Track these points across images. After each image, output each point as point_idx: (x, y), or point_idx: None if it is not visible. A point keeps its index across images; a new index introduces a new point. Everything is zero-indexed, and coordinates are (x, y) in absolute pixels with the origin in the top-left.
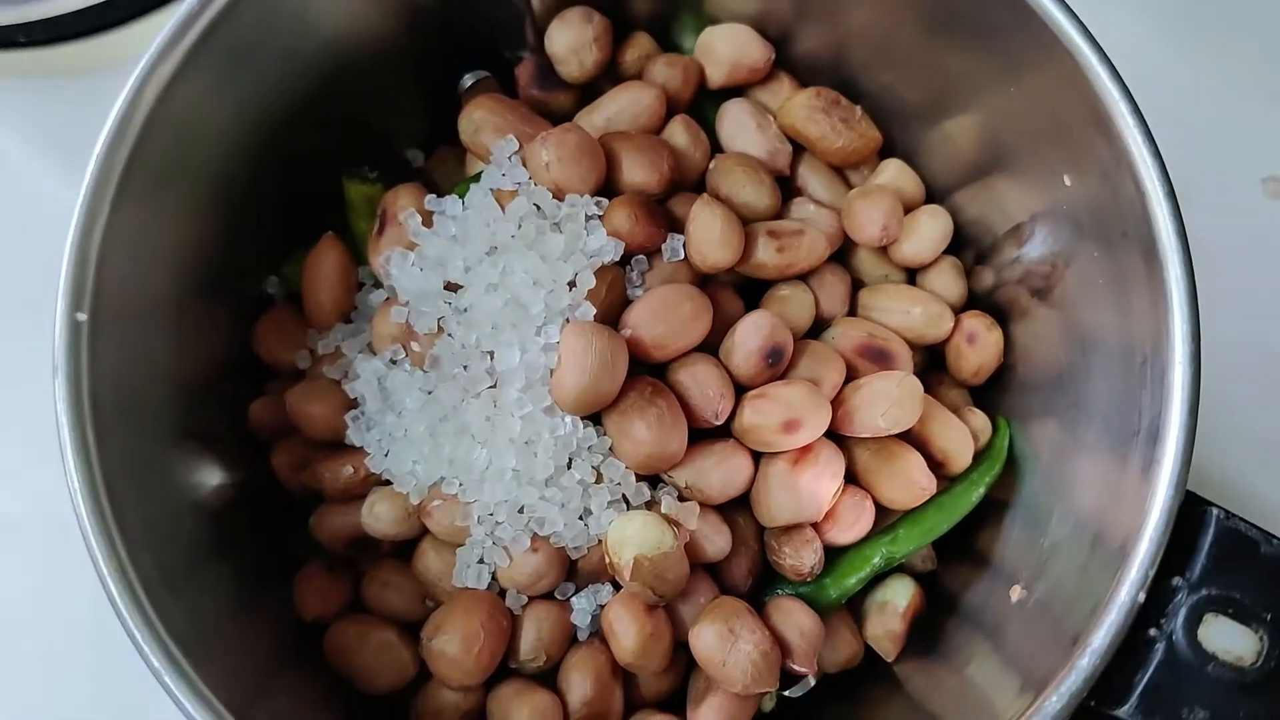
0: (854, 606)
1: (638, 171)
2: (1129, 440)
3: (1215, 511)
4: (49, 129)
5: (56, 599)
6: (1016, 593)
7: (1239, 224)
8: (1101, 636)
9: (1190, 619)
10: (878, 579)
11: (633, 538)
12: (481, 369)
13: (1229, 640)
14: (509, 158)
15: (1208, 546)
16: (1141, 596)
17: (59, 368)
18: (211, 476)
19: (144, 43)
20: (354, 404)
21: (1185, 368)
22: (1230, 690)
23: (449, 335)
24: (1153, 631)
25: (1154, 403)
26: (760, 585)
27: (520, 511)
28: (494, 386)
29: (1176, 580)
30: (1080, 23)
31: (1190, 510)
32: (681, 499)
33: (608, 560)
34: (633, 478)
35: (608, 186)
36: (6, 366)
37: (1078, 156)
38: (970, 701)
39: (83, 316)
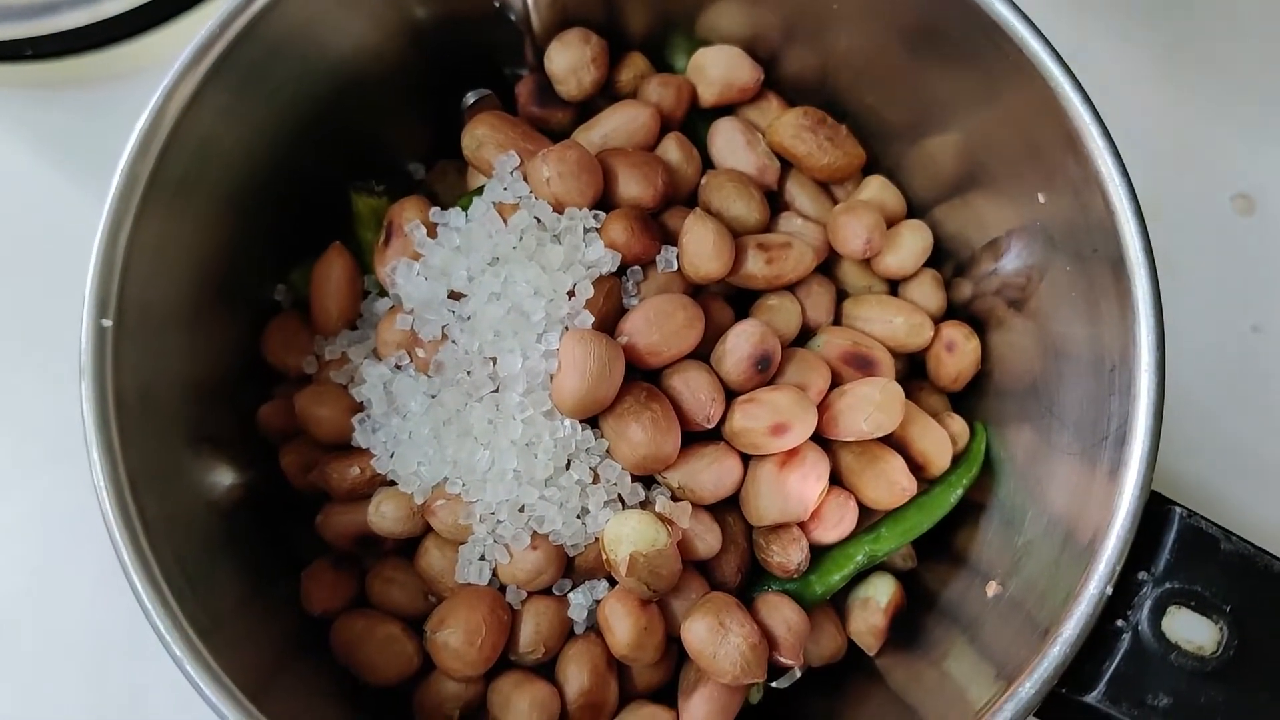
0: (838, 603)
1: (633, 186)
2: (1099, 444)
3: (1178, 510)
4: (57, 139)
5: (55, 595)
6: (992, 588)
7: (1209, 239)
8: (1071, 627)
9: (1155, 611)
10: (860, 576)
11: (629, 535)
12: (484, 374)
13: (1191, 631)
14: (510, 172)
15: (1171, 543)
16: (1109, 590)
17: (85, 370)
18: (224, 476)
19: (149, 56)
20: (360, 408)
21: (1150, 375)
22: (1192, 678)
23: (452, 341)
24: (1119, 623)
25: (1122, 408)
26: (749, 582)
27: (520, 510)
28: (496, 391)
29: (1142, 574)
30: (1053, 49)
31: (1155, 509)
32: (674, 499)
33: (604, 557)
34: (628, 478)
35: (605, 200)
36: (23, 368)
37: (1051, 175)
38: (948, 692)
39: (108, 323)
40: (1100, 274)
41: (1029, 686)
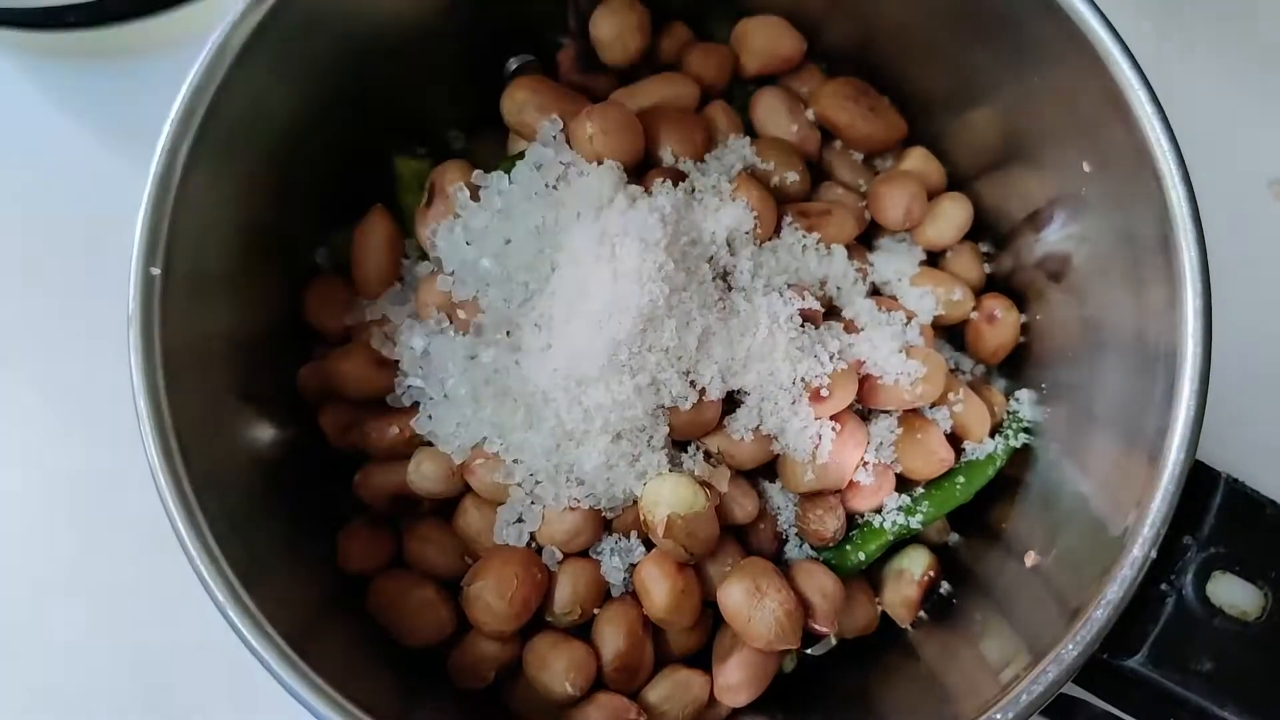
0: (871, 575)
1: (674, 144)
2: (1141, 413)
3: (1224, 476)
4: (98, 108)
5: (99, 557)
6: (1031, 558)
7: (1246, 226)
8: (1115, 590)
9: (1199, 575)
10: (895, 548)
11: (667, 497)
12: (530, 333)
13: (1235, 595)
14: (554, 136)
15: (1216, 508)
16: (1153, 553)
17: (133, 318)
18: (265, 433)
19: (188, 27)
20: (395, 368)
21: (1197, 341)
22: (1235, 642)
23: (501, 301)
24: (1164, 586)
25: (1166, 376)
26: (783, 549)
27: (558, 471)
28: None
29: (1186, 539)
30: (1100, 12)
31: (1200, 476)
32: (713, 464)
33: (642, 518)
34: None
35: (644, 161)
36: (65, 340)
37: (1096, 144)
38: (981, 666)
39: (156, 270)
40: (1145, 244)
41: (1072, 648)
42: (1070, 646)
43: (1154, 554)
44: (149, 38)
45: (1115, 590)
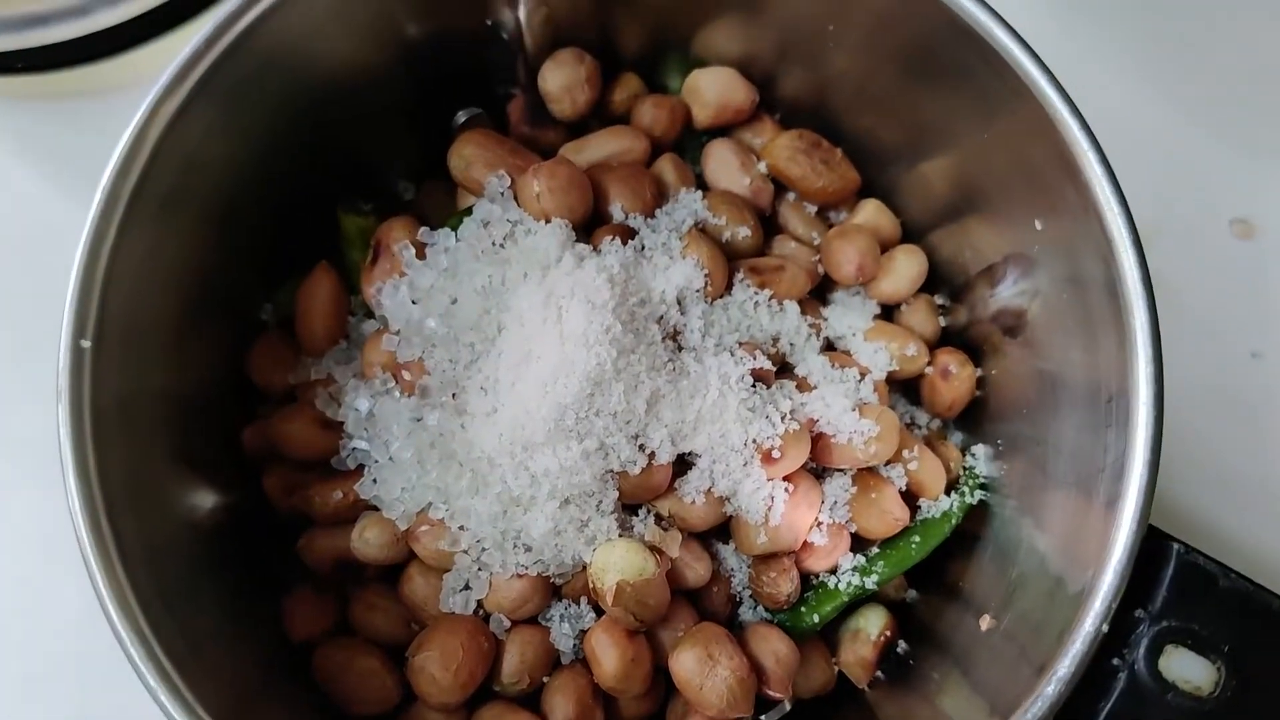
0: (828, 634)
1: (624, 200)
2: (1095, 476)
3: (1176, 547)
4: (46, 152)
5: (40, 618)
6: (986, 622)
7: (1207, 264)
8: (1067, 665)
9: (1151, 649)
10: (852, 607)
11: (616, 563)
12: (472, 399)
13: (1188, 670)
14: (501, 192)
15: (1169, 580)
16: (1105, 627)
17: (62, 392)
18: (205, 498)
19: (139, 70)
20: (340, 430)
21: (1148, 408)
22: (1190, 718)
23: (448, 363)
24: (1115, 661)
25: (1119, 440)
26: (737, 612)
27: (505, 538)
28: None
29: (1139, 612)
30: (1049, 72)
31: (1152, 545)
32: (664, 528)
33: (592, 585)
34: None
35: (594, 218)
36: (5, 386)
37: (1048, 201)
38: None
39: (86, 343)
40: (1098, 302)
41: None
42: None
43: (1106, 628)
44: (99, 83)
45: (1067, 666)
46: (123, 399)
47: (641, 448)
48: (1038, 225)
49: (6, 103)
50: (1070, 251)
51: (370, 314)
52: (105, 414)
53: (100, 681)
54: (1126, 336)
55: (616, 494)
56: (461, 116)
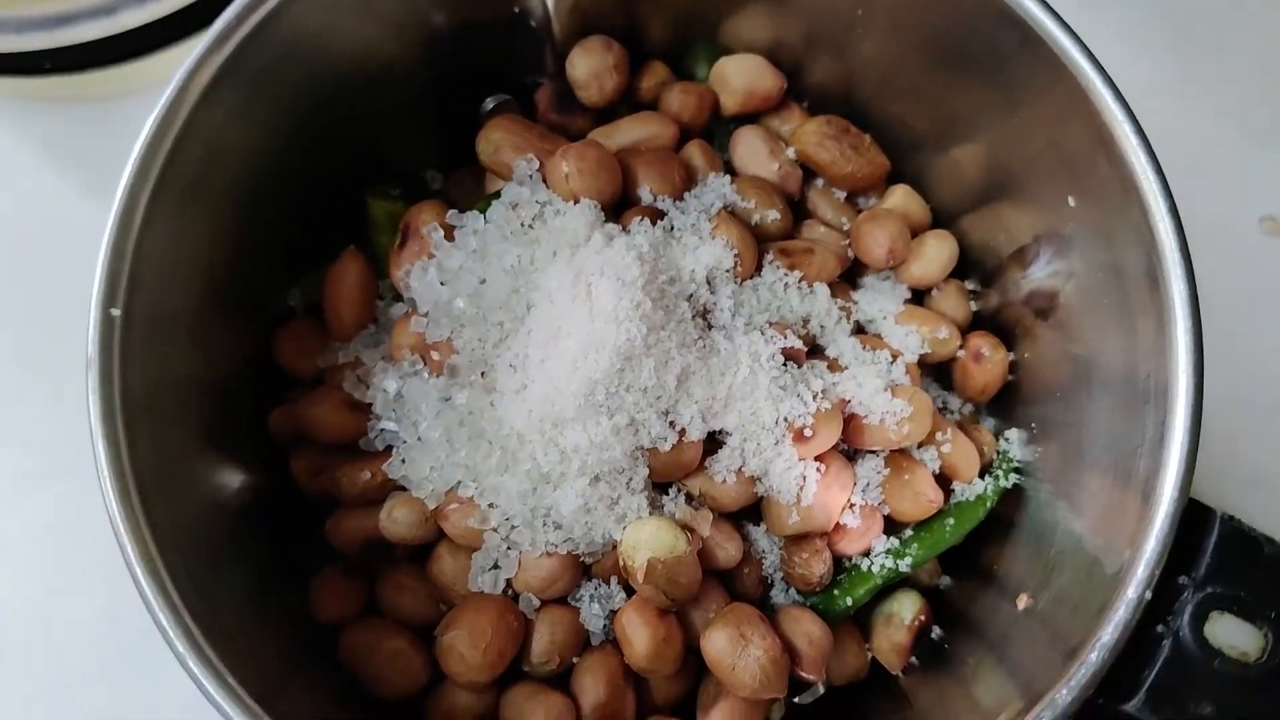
0: (861, 620)
1: (653, 183)
2: (1133, 452)
3: (1219, 514)
4: (72, 153)
5: (66, 605)
6: (1023, 600)
7: (1236, 261)
8: (1110, 632)
9: (1196, 616)
10: (885, 592)
11: (647, 541)
12: (501, 377)
13: (1234, 636)
14: (530, 175)
15: (1212, 547)
16: (1148, 594)
17: (92, 361)
18: (233, 480)
19: (166, 72)
20: (368, 412)
21: (1189, 377)
22: (1236, 685)
23: (479, 341)
24: (1160, 629)
25: (1157, 414)
26: (769, 594)
27: (535, 516)
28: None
29: (1182, 579)
30: (1085, 47)
31: (1195, 514)
32: (694, 507)
33: (622, 563)
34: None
35: (622, 200)
36: (29, 382)
37: (1082, 178)
38: (975, 713)
39: (116, 311)
40: (1134, 276)
41: (1066, 694)
42: (1065, 691)
43: (1149, 595)
44: (126, 84)
45: (1110, 633)
46: (150, 381)
47: (672, 424)
48: (1071, 203)
49: (34, 106)
50: (1105, 228)
51: (398, 298)
52: (134, 395)
53: (128, 670)
54: (1165, 308)
55: (647, 471)
56: (490, 103)
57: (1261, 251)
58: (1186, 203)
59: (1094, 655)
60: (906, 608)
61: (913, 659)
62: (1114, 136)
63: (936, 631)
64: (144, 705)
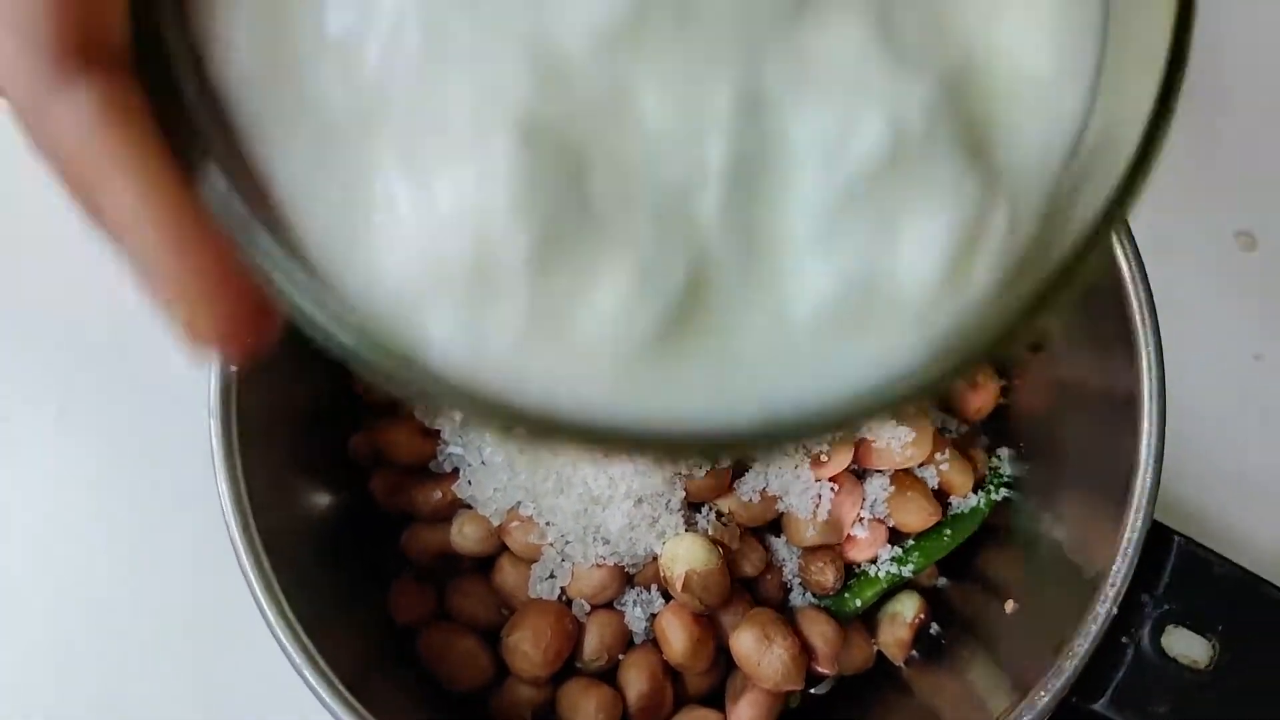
0: (868, 619)
1: None
2: (1106, 476)
3: (1177, 539)
4: None
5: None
6: (1010, 605)
7: (1212, 275)
8: (1082, 643)
9: (1155, 629)
10: (889, 594)
11: (684, 555)
12: None
13: (1187, 647)
14: None
15: (1170, 568)
16: (1115, 610)
17: (214, 411)
18: (322, 496)
19: None
20: (438, 437)
21: (1153, 419)
22: (1188, 688)
23: None
24: (1124, 639)
25: (1127, 445)
26: (788, 598)
27: (586, 533)
28: None
29: (1144, 596)
30: None
31: (1157, 536)
32: (724, 524)
33: (662, 574)
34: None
35: None
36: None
37: None
38: (968, 700)
39: (234, 368)
40: (1109, 323)
41: (1045, 696)
42: (1043, 692)
43: (1115, 610)
44: None
45: (1082, 643)
46: (257, 418)
47: None
48: None
49: None
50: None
51: None
52: (245, 432)
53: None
54: (1134, 354)
55: (684, 493)
56: None
57: (1236, 264)
58: (1167, 219)
59: (1068, 662)
60: (908, 607)
61: (914, 652)
62: None
63: (935, 628)
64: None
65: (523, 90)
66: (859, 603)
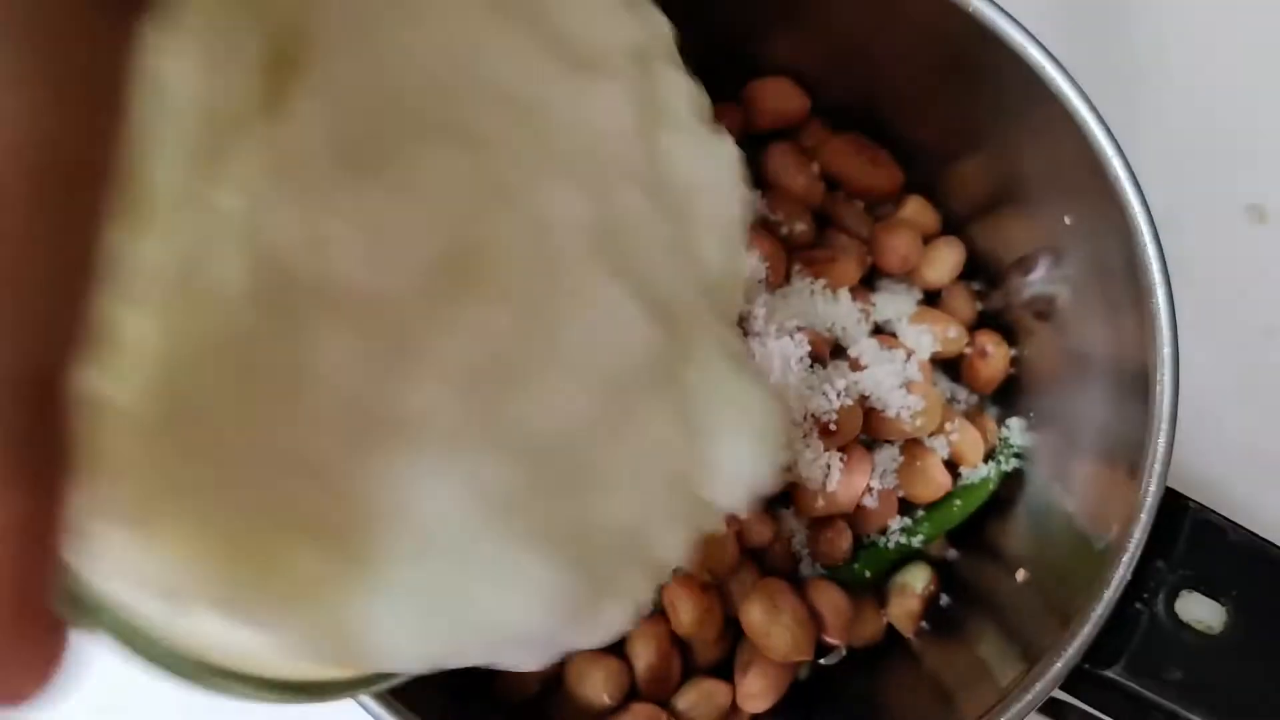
0: (877, 590)
1: None
2: (1119, 445)
3: (1191, 505)
4: None
5: None
6: (1021, 575)
7: (1223, 249)
8: (1097, 608)
9: (1169, 595)
10: (899, 565)
11: None
12: None
13: (1200, 612)
14: None
15: (1185, 534)
16: (1129, 575)
17: None
18: None
19: None
20: None
21: (1168, 383)
22: (1202, 654)
23: None
24: (1138, 605)
25: (1139, 412)
26: (797, 568)
27: None
28: None
29: (1158, 563)
30: (1071, 78)
31: (1170, 504)
32: None
33: None
34: None
35: None
36: None
37: (1075, 198)
38: (980, 670)
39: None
40: (1121, 290)
41: (1060, 663)
42: (1057, 658)
43: (1130, 576)
44: None
45: (1097, 609)
46: None
47: None
48: (1066, 220)
49: None
50: (1096, 243)
51: None
52: None
53: None
54: (1147, 319)
55: None
56: None
57: (1247, 238)
58: (1179, 193)
59: (1083, 628)
60: (918, 579)
61: (924, 624)
62: (1102, 164)
63: (944, 599)
64: None
65: None
66: (868, 573)
